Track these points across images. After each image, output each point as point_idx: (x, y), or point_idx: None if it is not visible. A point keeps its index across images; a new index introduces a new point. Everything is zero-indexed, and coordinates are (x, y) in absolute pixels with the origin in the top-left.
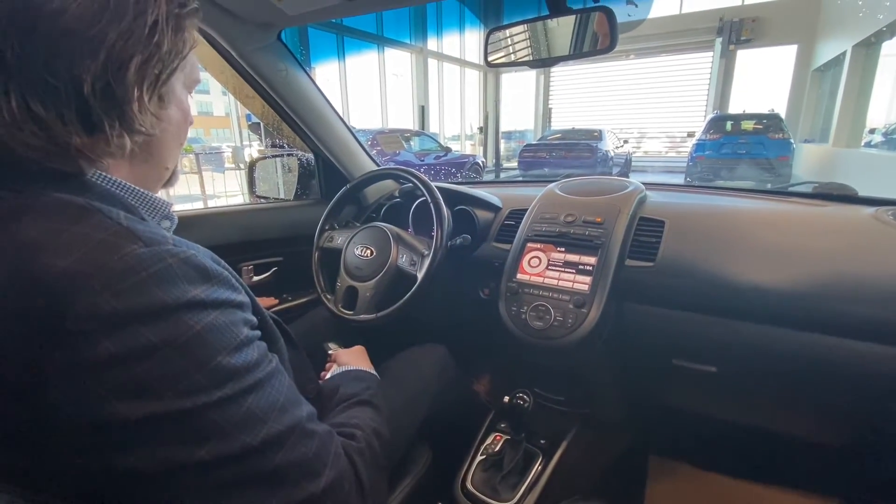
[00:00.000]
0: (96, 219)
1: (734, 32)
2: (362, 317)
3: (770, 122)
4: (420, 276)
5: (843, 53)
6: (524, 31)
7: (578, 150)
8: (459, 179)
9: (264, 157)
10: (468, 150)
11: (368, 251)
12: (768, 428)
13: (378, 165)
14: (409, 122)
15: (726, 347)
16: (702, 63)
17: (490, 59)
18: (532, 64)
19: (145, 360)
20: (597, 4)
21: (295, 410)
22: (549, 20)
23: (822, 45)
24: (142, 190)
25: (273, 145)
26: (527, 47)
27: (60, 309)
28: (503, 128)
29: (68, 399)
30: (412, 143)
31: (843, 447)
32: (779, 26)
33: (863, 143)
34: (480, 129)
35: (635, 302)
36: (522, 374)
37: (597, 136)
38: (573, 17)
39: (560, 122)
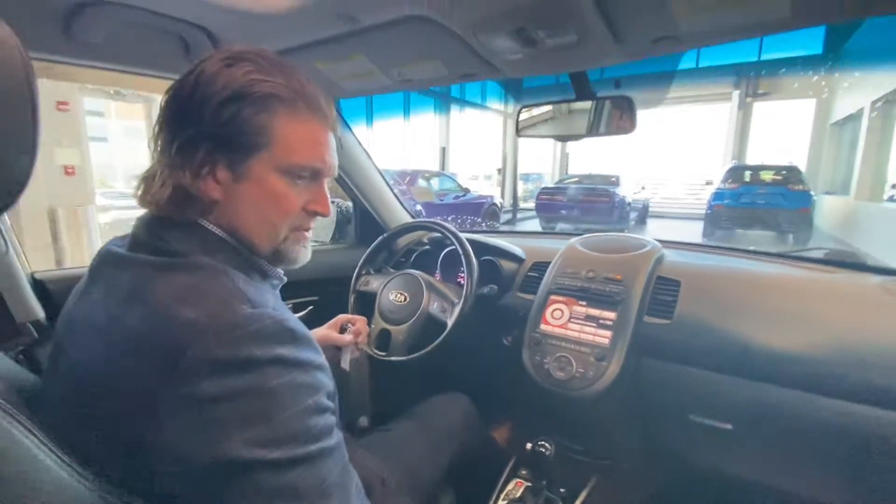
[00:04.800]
0: (222, 280)
1: (751, 86)
2: (394, 358)
3: (789, 173)
4: (450, 323)
5: (861, 109)
6: (551, 110)
7: (596, 194)
8: (484, 227)
9: None
10: (485, 191)
11: (402, 297)
12: (784, 489)
13: (411, 216)
14: (430, 161)
15: (741, 406)
16: (719, 114)
17: (521, 132)
18: (557, 138)
19: (225, 405)
20: (618, 93)
21: (341, 497)
22: (574, 102)
23: (840, 99)
24: (255, 258)
25: None
26: (553, 124)
27: (180, 350)
28: (521, 170)
29: (171, 424)
30: (432, 182)
31: None
32: (796, 81)
33: (886, 198)
34: (499, 170)
35: (653, 357)
36: (542, 422)
37: (614, 181)
38: (597, 102)
39: (578, 166)
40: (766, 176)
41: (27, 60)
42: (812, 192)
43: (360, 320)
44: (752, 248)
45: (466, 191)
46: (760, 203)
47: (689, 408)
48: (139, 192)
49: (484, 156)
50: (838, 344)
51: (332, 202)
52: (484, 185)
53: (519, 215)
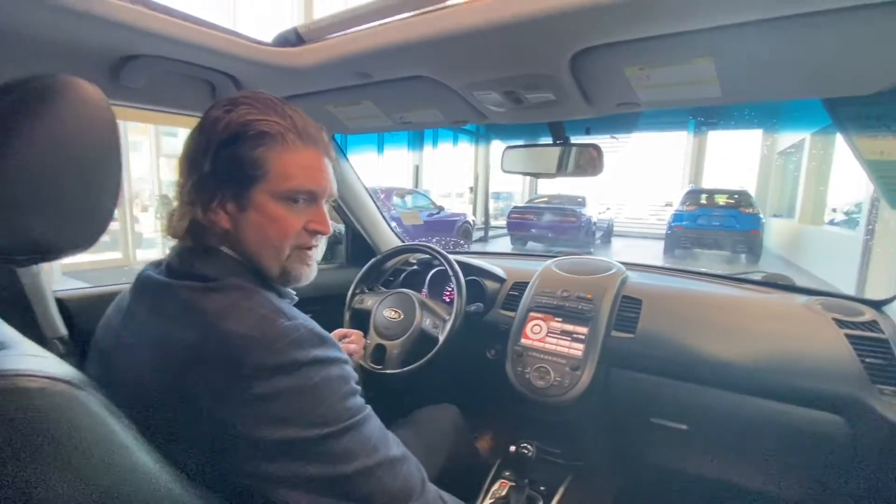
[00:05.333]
0: (257, 299)
1: (704, 114)
2: (389, 371)
3: (741, 197)
4: (442, 338)
5: (804, 140)
6: (532, 151)
7: (563, 214)
8: (464, 246)
9: None
10: (458, 209)
11: (396, 314)
12: (735, 482)
13: (400, 239)
14: (404, 178)
15: (695, 408)
16: (678, 139)
17: (505, 167)
18: (536, 175)
19: (282, 401)
20: (589, 141)
21: (383, 450)
22: (552, 146)
23: (784, 130)
24: (268, 279)
25: None
26: (532, 163)
27: (238, 361)
28: (492, 188)
29: (236, 421)
30: (407, 199)
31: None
32: (744, 111)
33: (827, 221)
34: (471, 188)
35: (620, 367)
36: (522, 429)
37: (580, 201)
38: (570, 147)
39: (546, 187)
40: (721, 199)
41: (113, 116)
42: (761, 216)
43: (357, 334)
44: (703, 270)
45: (440, 209)
46: (715, 225)
47: (650, 412)
48: (165, 225)
49: (456, 174)
50: (770, 354)
51: None
52: (456, 203)
53: (491, 233)
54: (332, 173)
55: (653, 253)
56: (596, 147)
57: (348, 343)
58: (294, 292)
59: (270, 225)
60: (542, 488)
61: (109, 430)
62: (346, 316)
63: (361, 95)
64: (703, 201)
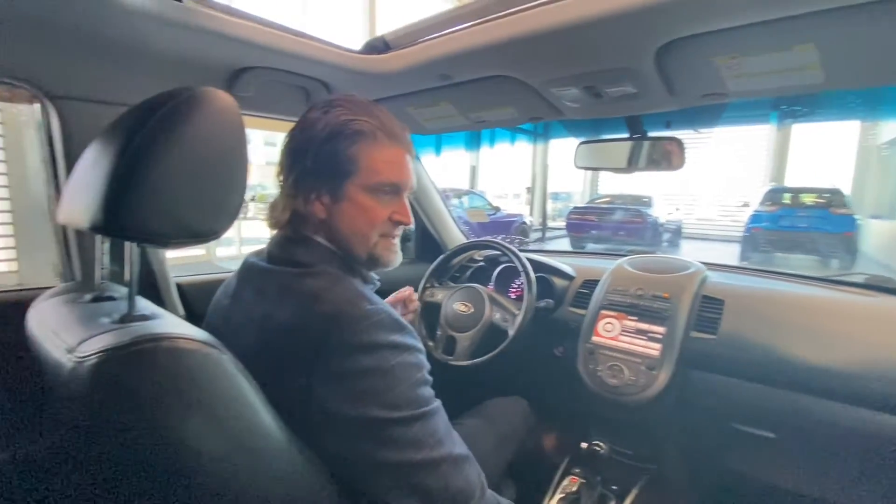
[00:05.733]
0: (344, 284)
1: (789, 105)
2: (460, 362)
3: (832, 196)
4: (512, 332)
5: None
6: (606, 146)
7: (628, 215)
8: (534, 246)
9: None
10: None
11: (466, 307)
12: (819, 497)
13: (466, 236)
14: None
15: (783, 415)
16: (757, 134)
17: (578, 163)
18: (614, 171)
19: (361, 379)
20: (670, 134)
21: (449, 445)
22: (629, 140)
23: (889, 119)
24: (356, 265)
25: None
26: (608, 158)
27: (325, 337)
28: (550, 188)
29: (321, 394)
30: (463, 200)
31: None
32: (837, 100)
33: None
34: (528, 189)
35: (700, 369)
36: (591, 427)
37: (646, 201)
38: (649, 141)
39: (608, 186)
40: (808, 199)
41: (242, 121)
42: (857, 216)
43: (408, 290)
44: (793, 271)
45: (496, 209)
46: (801, 227)
47: (732, 416)
48: (267, 216)
49: (512, 174)
50: (874, 360)
51: None
52: (512, 204)
53: (548, 234)
54: (413, 169)
55: (726, 257)
56: (677, 140)
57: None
58: (377, 277)
59: (360, 215)
60: (614, 488)
61: (242, 388)
62: (418, 308)
63: (440, 97)
64: (787, 201)
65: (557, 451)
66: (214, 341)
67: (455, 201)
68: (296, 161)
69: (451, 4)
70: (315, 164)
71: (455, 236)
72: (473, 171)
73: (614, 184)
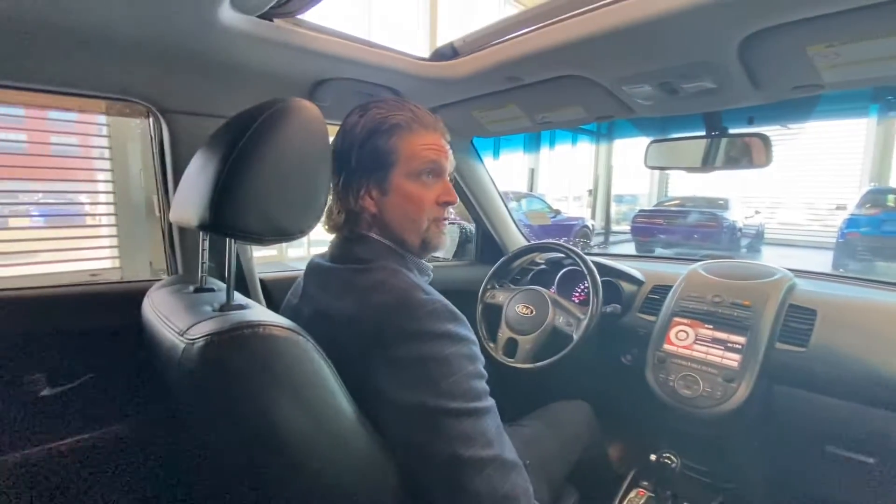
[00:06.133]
0: (401, 276)
1: (893, 97)
2: (522, 365)
3: None
4: (577, 336)
5: None
6: (679, 144)
7: (701, 218)
8: (597, 250)
9: None
10: (575, 213)
11: (529, 310)
12: None
13: (527, 239)
14: (518, 182)
15: (884, 438)
16: (854, 129)
17: (649, 163)
18: (688, 170)
19: (417, 366)
20: (753, 130)
21: (498, 448)
22: (705, 138)
23: None
24: (414, 257)
25: None
26: (683, 157)
27: (382, 325)
28: (614, 191)
29: (380, 381)
30: (522, 203)
31: None
32: None
33: None
34: (590, 191)
35: (786, 384)
36: (660, 439)
37: (722, 204)
38: (728, 139)
39: (679, 188)
40: None
41: (326, 129)
42: None
43: None
44: (893, 280)
45: (557, 212)
46: None
47: (825, 439)
48: (324, 221)
49: (573, 177)
50: None
51: (457, 223)
52: (573, 207)
53: (612, 238)
54: (451, 152)
55: (817, 265)
56: (761, 136)
57: None
58: (430, 267)
59: (409, 203)
60: (684, 503)
61: (324, 373)
62: (479, 309)
63: (507, 99)
64: (892, 203)
65: (623, 460)
66: (301, 329)
67: (513, 204)
68: (342, 164)
69: (512, 8)
70: (359, 163)
71: (516, 238)
72: (532, 173)
73: (686, 185)
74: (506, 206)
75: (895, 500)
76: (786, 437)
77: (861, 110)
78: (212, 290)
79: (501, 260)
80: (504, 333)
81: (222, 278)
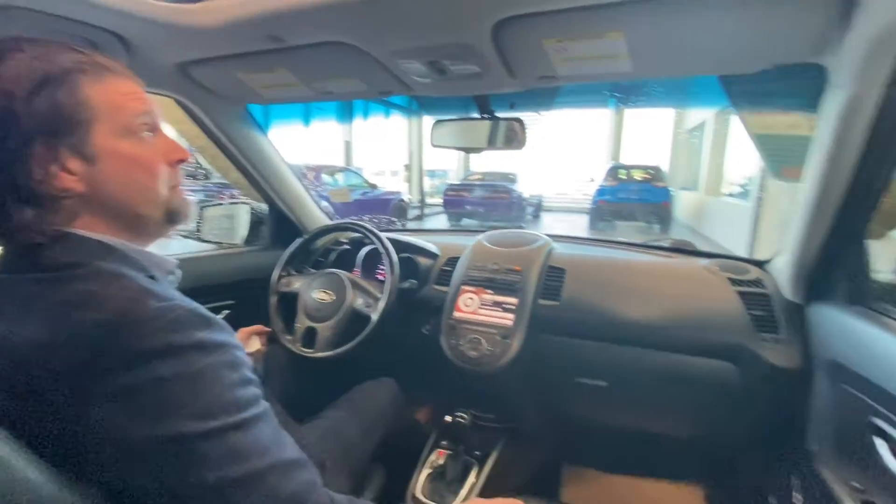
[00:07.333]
0: (123, 282)
1: (622, 91)
2: (322, 354)
3: (654, 172)
4: (375, 316)
5: (705, 121)
6: (461, 125)
7: (496, 191)
8: (399, 227)
9: (214, 205)
10: (392, 187)
11: (327, 295)
12: (646, 429)
13: (328, 217)
14: (334, 156)
15: (612, 366)
16: (601, 117)
17: (434, 142)
18: (466, 150)
19: (159, 390)
20: (513, 114)
21: (277, 450)
22: (479, 120)
23: (692, 109)
24: (144, 249)
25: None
26: (460, 137)
27: (98, 351)
28: (427, 166)
29: (103, 420)
30: (337, 177)
31: (701, 439)
32: (657, 89)
33: (727, 193)
34: (406, 166)
35: (547, 333)
36: (458, 399)
37: (512, 178)
38: (495, 121)
39: (478, 164)
40: (637, 174)
41: None
42: (671, 189)
43: (254, 329)
44: (620, 239)
45: (374, 187)
46: (633, 198)
47: (575, 372)
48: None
49: (390, 151)
50: (677, 312)
51: (245, 204)
52: (391, 181)
53: (427, 211)
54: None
55: (579, 226)
56: (519, 120)
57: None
58: (175, 262)
59: (134, 169)
60: (476, 453)
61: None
62: (273, 300)
63: (275, 62)
64: (623, 176)
65: (426, 429)
66: None
67: (329, 179)
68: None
69: None
70: (34, 128)
71: (315, 218)
72: (348, 146)
73: (483, 161)
74: (301, 183)
75: (622, 409)
76: (548, 375)
77: (603, 102)
78: None
79: (294, 244)
80: (302, 323)
81: None
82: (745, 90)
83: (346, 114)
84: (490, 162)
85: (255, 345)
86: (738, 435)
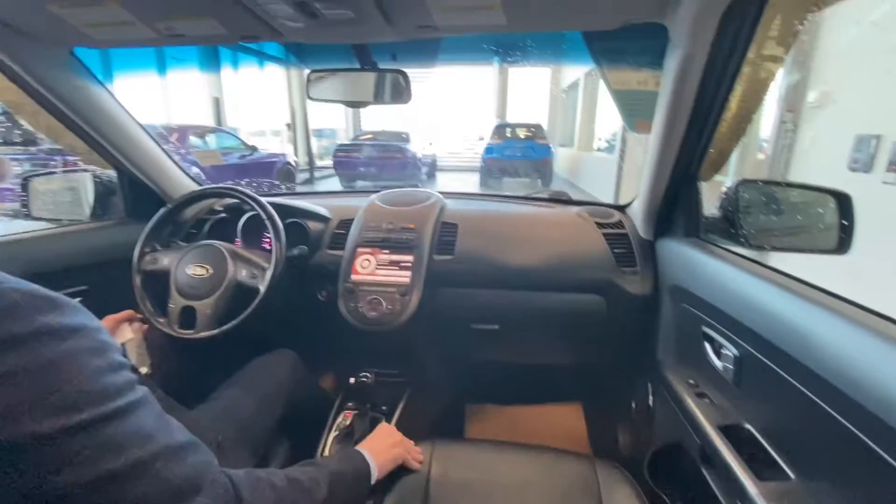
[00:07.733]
0: None
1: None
2: (203, 334)
3: (536, 130)
4: (263, 288)
5: (578, 80)
6: (340, 77)
7: (390, 151)
8: (285, 191)
9: (46, 173)
10: (276, 149)
11: (203, 270)
12: (536, 363)
13: (197, 182)
14: (202, 115)
15: (503, 310)
16: (487, 76)
17: (311, 94)
18: (346, 104)
19: (4, 389)
20: (396, 66)
21: (164, 436)
22: (360, 71)
23: (566, 70)
24: None
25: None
26: (342, 90)
27: None
28: (313, 125)
29: None
30: (208, 139)
31: (580, 365)
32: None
33: (597, 148)
34: (288, 125)
35: (444, 286)
36: (362, 361)
37: (405, 137)
38: (380, 73)
39: (369, 123)
40: (521, 132)
41: None
42: (551, 145)
43: (123, 316)
44: (505, 193)
45: (253, 149)
46: (518, 155)
47: (470, 320)
48: None
49: (269, 109)
50: (554, 255)
51: (88, 171)
52: (273, 143)
53: (317, 174)
54: None
55: (472, 184)
56: (402, 73)
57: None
58: None
59: None
60: (383, 408)
61: None
62: (137, 280)
63: None
64: (508, 134)
65: (331, 395)
66: None
67: (197, 141)
68: None
69: None
70: None
71: (181, 184)
72: (217, 103)
73: (374, 120)
74: (158, 144)
75: (512, 350)
76: (445, 325)
77: (487, 59)
78: None
79: (157, 215)
80: (177, 303)
81: None
82: (604, 47)
83: (210, 63)
84: (380, 121)
85: (127, 334)
86: (608, 357)
